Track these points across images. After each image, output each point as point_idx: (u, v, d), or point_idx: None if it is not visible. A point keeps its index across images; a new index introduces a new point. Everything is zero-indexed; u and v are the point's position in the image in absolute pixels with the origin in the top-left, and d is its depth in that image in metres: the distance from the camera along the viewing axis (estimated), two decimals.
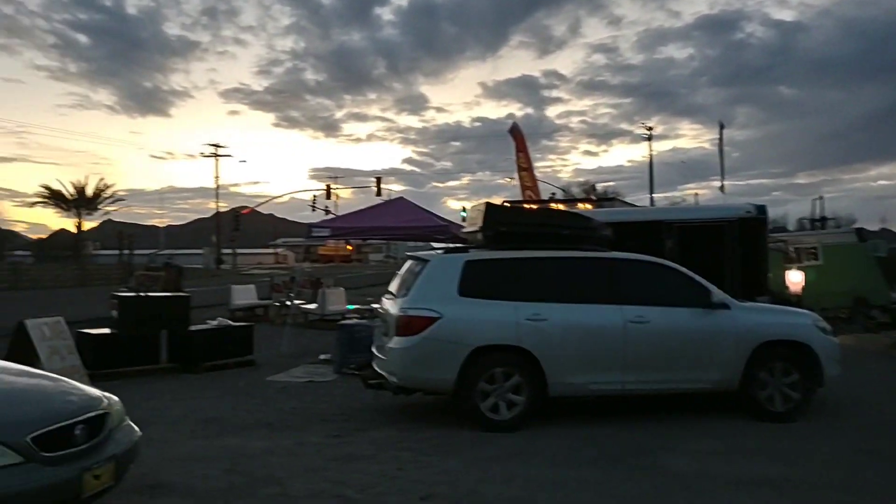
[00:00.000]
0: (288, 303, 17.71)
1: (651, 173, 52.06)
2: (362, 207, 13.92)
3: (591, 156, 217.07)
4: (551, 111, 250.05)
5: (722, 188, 35.24)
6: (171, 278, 17.88)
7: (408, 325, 7.27)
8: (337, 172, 76.59)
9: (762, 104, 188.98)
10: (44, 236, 72.15)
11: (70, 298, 28.12)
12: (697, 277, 7.81)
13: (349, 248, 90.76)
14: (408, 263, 8.36)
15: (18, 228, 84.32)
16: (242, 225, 70.34)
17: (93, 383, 9.64)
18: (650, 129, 55.92)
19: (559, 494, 5.31)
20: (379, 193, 61.48)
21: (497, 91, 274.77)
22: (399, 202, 13.67)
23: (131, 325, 10.13)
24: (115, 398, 4.84)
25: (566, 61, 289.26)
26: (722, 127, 36.80)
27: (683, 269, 7.88)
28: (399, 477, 5.64)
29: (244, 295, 18.18)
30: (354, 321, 10.73)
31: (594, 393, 7.58)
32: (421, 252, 9.40)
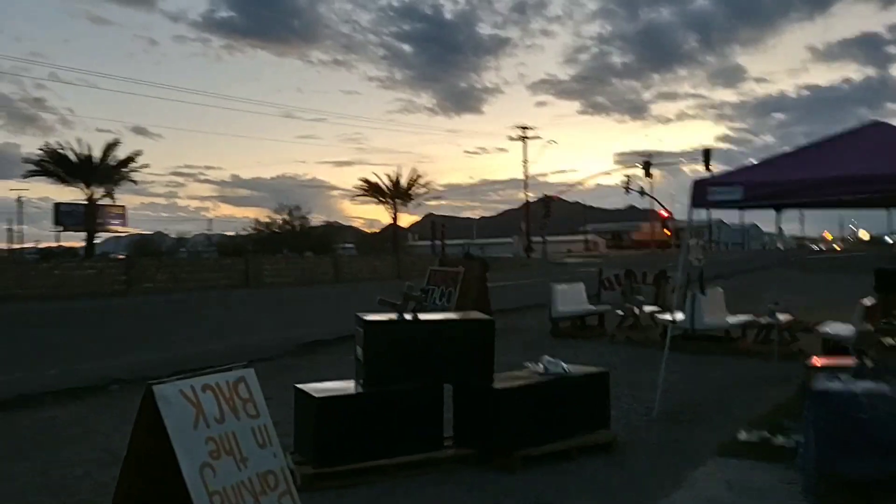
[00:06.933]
0: (636, 309, 11.99)
1: None
2: (797, 146, 7.55)
3: None
4: None
5: None
6: (473, 275, 12.58)
7: None
8: (644, 155, 68.89)
9: None
10: (377, 230, 76.23)
11: (375, 293, 25.56)
12: None
13: (666, 232, 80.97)
14: None
15: (356, 224, 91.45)
16: (551, 212, 66.71)
17: (314, 496, 4.08)
18: None
19: None
20: (707, 168, 53.20)
21: (828, 53, 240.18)
22: (872, 130, 7.11)
23: (387, 375, 5.27)
24: None
25: None
26: None
27: None
28: None
29: (571, 298, 12.17)
30: (860, 384, 4.59)
31: None
32: None
